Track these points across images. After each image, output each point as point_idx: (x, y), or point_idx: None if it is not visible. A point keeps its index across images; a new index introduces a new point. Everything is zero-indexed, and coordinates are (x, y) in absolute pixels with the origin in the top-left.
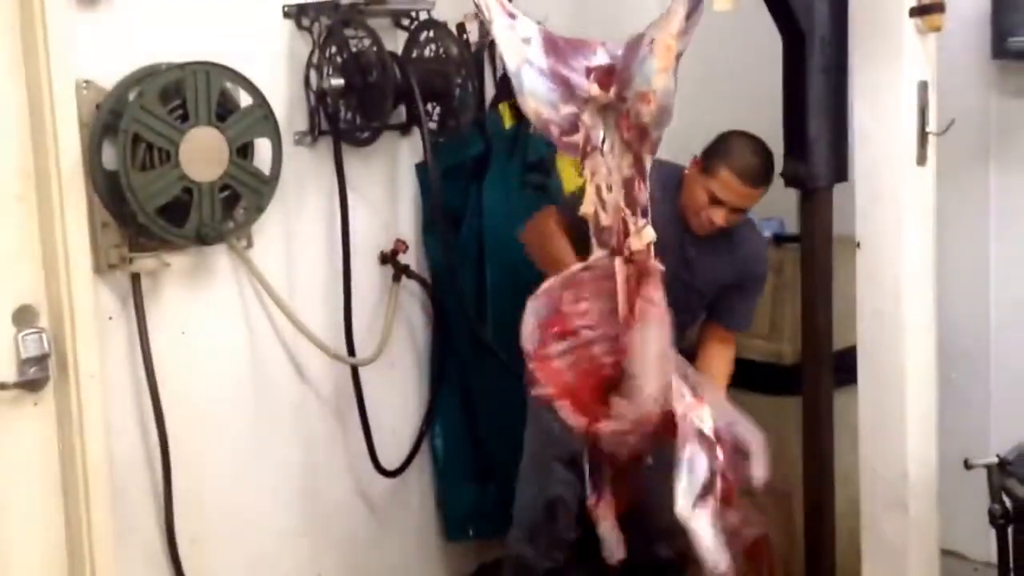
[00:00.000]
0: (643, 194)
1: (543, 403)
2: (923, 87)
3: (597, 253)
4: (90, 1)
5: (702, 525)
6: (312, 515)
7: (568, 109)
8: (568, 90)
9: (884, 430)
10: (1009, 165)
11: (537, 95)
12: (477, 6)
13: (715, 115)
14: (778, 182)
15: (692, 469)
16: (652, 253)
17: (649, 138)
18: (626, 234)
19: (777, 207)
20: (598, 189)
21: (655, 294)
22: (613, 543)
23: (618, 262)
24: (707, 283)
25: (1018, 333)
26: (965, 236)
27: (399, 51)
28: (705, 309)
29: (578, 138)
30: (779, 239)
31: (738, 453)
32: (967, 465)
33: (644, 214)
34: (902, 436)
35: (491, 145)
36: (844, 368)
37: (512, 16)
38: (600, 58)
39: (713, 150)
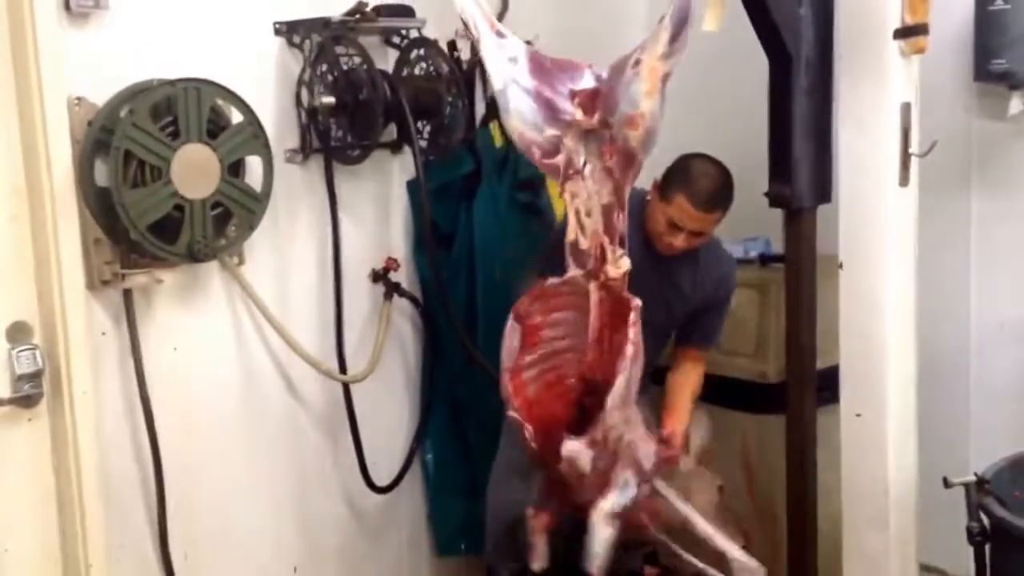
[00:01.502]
0: (621, 223)
1: (518, 423)
2: (906, 109)
3: (572, 271)
4: (81, 18)
5: (603, 536)
6: (304, 530)
7: (551, 131)
8: (552, 113)
9: (866, 448)
10: (990, 187)
11: (521, 116)
12: (465, 24)
13: (701, 136)
14: (763, 201)
15: (624, 491)
16: (627, 283)
17: (635, 163)
18: (603, 260)
19: (763, 227)
20: (577, 213)
21: (634, 333)
22: (539, 552)
23: (593, 286)
24: (678, 307)
25: (998, 353)
26: (946, 256)
27: (390, 69)
28: (676, 329)
29: (559, 160)
30: (764, 259)
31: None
32: (946, 483)
33: (622, 243)
34: (883, 454)
35: (481, 163)
36: (827, 387)
37: (501, 35)
38: (586, 81)
39: (670, 174)
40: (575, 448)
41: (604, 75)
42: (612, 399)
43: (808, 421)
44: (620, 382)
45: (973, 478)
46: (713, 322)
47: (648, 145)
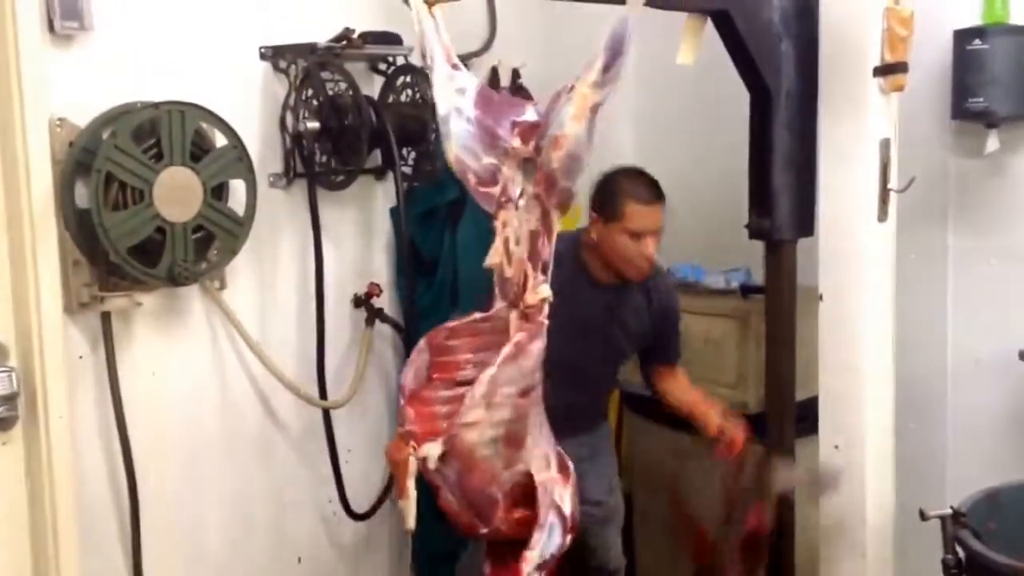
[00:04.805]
0: (546, 250)
1: (404, 440)
2: (885, 145)
3: (498, 304)
4: (65, 39)
5: None
6: (282, 557)
7: (488, 160)
8: (491, 141)
9: (844, 479)
10: (967, 223)
11: (460, 141)
12: (421, 52)
13: (684, 166)
14: (745, 231)
15: (551, 536)
16: (545, 311)
17: (556, 187)
18: (525, 288)
19: (744, 257)
20: (506, 241)
21: (528, 343)
22: None
23: (513, 315)
24: (625, 343)
25: (974, 385)
26: (924, 291)
27: (376, 95)
28: (637, 353)
29: (495, 190)
30: (745, 290)
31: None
32: (923, 515)
33: (544, 270)
34: (861, 485)
35: (465, 191)
36: (806, 417)
37: (455, 68)
38: (529, 115)
39: (604, 197)
40: (428, 446)
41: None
42: (471, 396)
43: (787, 451)
44: (484, 376)
45: (949, 511)
46: (669, 344)
47: (569, 169)
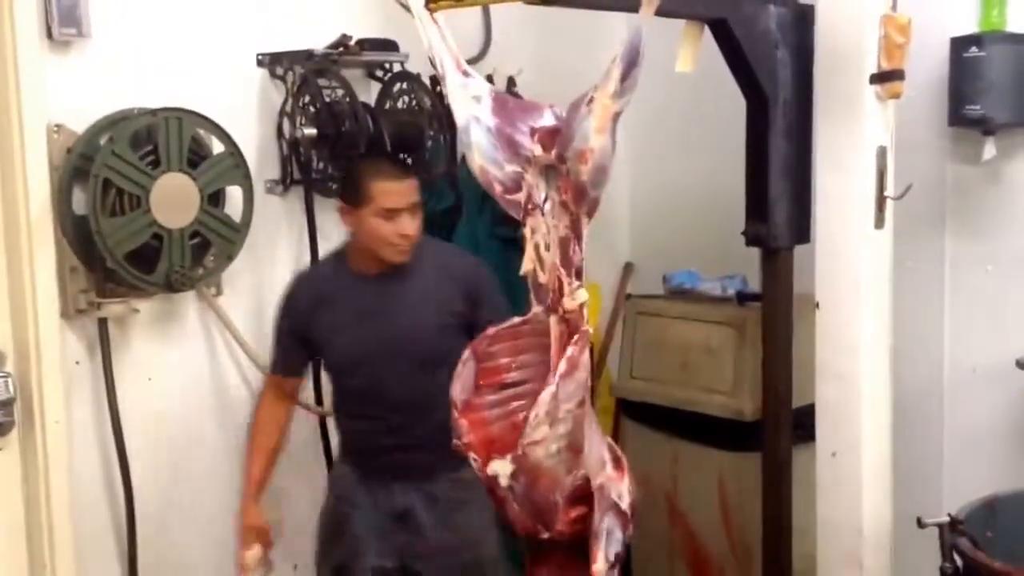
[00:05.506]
0: (578, 256)
1: (461, 453)
2: (882, 152)
3: (535, 308)
4: (63, 46)
5: None
6: (278, 564)
7: (512, 167)
8: (513, 149)
9: (841, 487)
10: (963, 230)
11: (483, 151)
12: (432, 61)
13: (681, 173)
14: (741, 239)
15: (610, 540)
16: (585, 315)
17: (587, 197)
18: (561, 294)
19: (741, 264)
20: (536, 247)
21: (580, 356)
22: None
23: (553, 320)
24: (431, 325)
25: (971, 393)
26: (920, 298)
27: (372, 102)
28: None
29: (520, 196)
30: (742, 297)
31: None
32: (920, 524)
33: (578, 275)
34: (858, 493)
35: (462, 198)
36: (803, 425)
37: (466, 74)
38: (547, 120)
39: (350, 185)
40: (498, 464)
41: (564, 114)
42: (535, 416)
43: (784, 459)
44: (545, 395)
45: (947, 519)
46: (495, 309)
47: (598, 180)
